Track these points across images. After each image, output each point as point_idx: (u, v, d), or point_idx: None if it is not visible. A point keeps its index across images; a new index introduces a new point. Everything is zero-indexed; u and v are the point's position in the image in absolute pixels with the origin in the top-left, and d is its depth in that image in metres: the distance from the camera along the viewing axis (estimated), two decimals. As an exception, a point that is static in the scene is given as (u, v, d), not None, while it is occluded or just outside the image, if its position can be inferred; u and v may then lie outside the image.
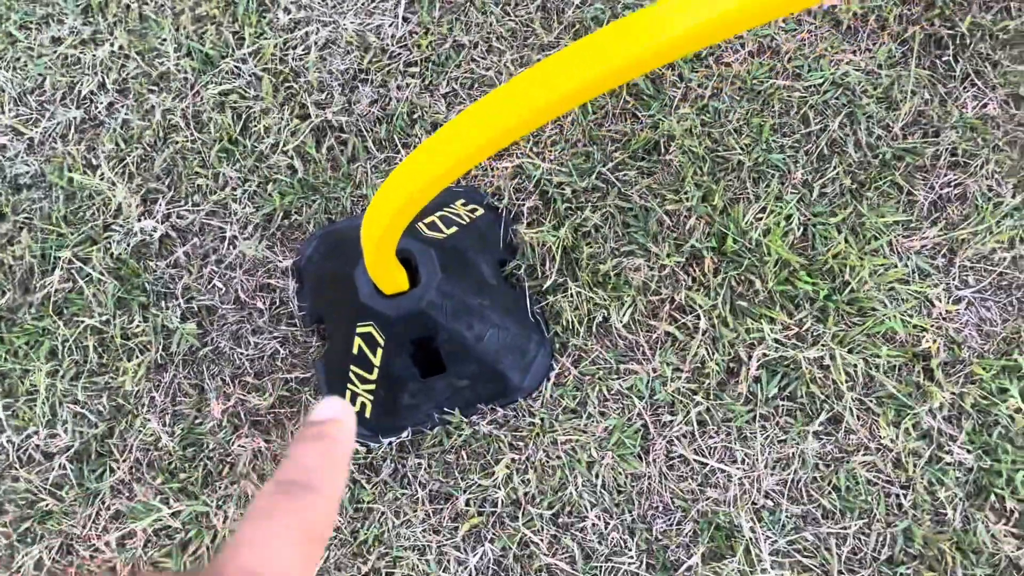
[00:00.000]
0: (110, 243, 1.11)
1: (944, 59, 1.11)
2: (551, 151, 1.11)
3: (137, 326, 1.08)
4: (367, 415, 0.99)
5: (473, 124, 0.63)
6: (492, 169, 1.10)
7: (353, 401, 0.99)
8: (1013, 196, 1.05)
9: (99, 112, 1.18)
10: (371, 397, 0.98)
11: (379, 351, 0.93)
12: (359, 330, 0.92)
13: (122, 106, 1.18)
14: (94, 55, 1.20)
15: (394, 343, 0.92)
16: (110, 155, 1.16)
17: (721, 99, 1.11)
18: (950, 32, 1.11)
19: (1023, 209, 1.04)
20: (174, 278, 1.10)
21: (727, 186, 1.07)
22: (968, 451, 0.97)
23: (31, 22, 1.24)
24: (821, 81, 1.11)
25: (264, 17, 1.20)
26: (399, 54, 1.17)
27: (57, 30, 1.23)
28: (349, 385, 0.98)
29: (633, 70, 0.53)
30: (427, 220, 0.98)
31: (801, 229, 1.05)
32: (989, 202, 1.05)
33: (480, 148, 0.63)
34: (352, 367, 0.97)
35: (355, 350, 0.94)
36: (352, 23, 1.19)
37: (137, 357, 1.07)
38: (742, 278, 1.03)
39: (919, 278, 1.03)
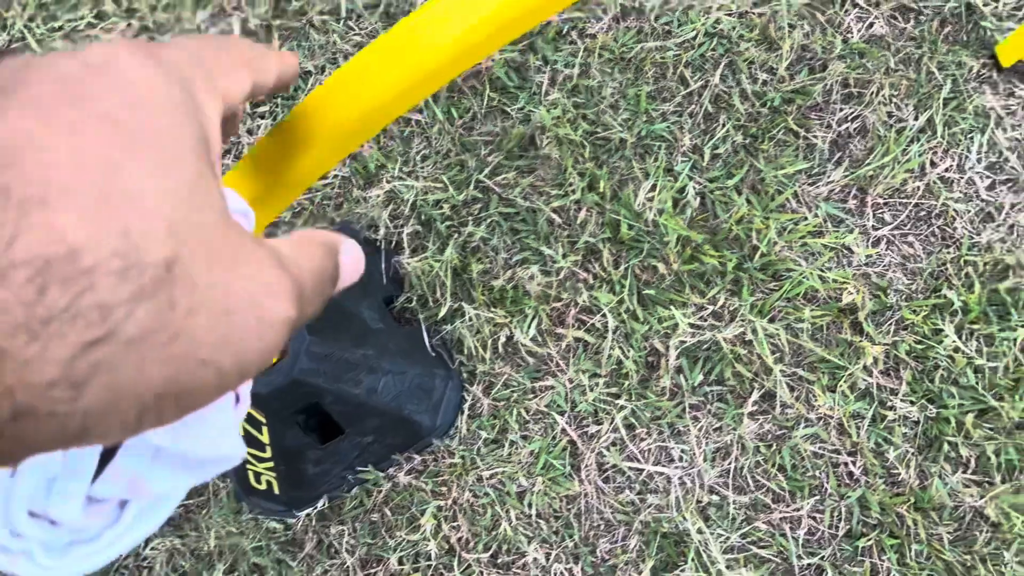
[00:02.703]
0: None
1: (819, -16, 1.03)
2: (422, 168, 1.03)
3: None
4: (276, 491, 0.93)
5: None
6: (363, 200, 1.03)
7: (258, 480, 0.92)
8: (915, 118, 0.97)
9: None
10: (273, 474, 0.91)
11: (264, 429, 0.86)
12: (240, 410, 0.85)
13: None
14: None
15: (276, 419, 0.85)
16: None
17: (591, 76, 1.03)
18: (821, -47, 1.03)
19: (928, 130, 0.97)
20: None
21: (612, 169, 0.99)
22: (912, 403, 0.90)
23: None
24: (693, 34, 1.02)
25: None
26: (245, 95, 1.08)
27: None
28: (249, 466, 0.91)
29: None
30: (291, 277, 0.90)
31: (698, 199, 0.98)
32: (891, 129, 0.97)
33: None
34: (246, 448, 0.90)
35: (241, 432, 0.87)
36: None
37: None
38: (645, 265, 0.96)
39: (832, 227, 0.96)
